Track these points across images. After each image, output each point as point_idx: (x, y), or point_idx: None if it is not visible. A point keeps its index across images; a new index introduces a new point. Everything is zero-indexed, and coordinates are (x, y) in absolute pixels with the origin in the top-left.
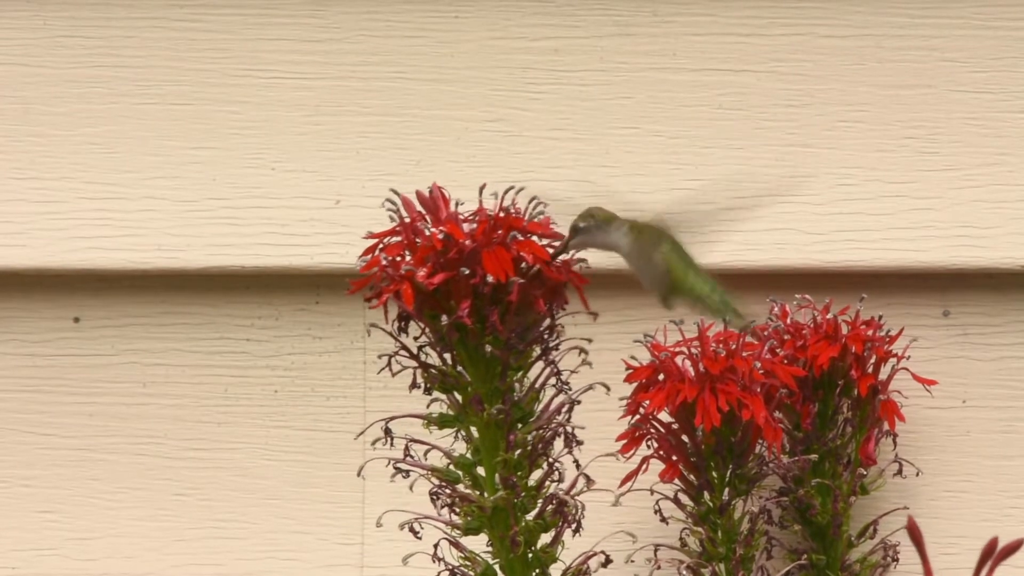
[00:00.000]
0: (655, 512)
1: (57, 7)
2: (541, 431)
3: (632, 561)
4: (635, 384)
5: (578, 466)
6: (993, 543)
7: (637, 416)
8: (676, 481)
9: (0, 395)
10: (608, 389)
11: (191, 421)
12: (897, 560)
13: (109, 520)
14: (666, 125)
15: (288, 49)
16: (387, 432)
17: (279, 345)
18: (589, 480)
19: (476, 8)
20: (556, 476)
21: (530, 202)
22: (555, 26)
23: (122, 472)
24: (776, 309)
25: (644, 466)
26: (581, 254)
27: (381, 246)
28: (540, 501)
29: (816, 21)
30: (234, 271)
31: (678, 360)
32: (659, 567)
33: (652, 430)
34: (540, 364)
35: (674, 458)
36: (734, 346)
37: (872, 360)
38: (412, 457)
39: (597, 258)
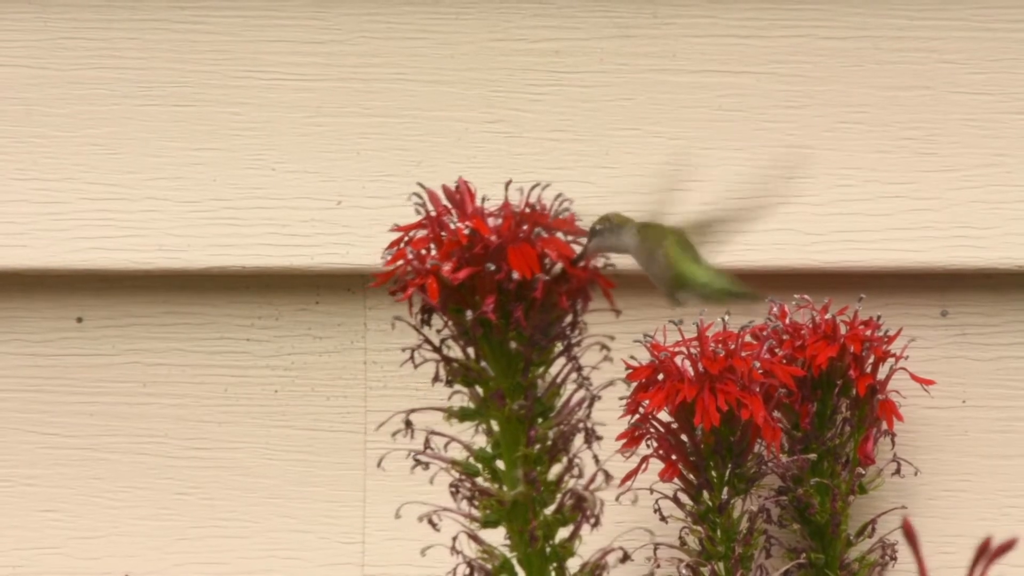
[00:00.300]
0: (655, 511)
1: (59, 9)
2: (561, 427)
3: (631, 559)
4: (635, 383)
5: (597, 462)
6: (987, 543)
7: (637, 415)
8: (675, 480)
9: (3, 395)
10: (629, 385)
11: (192, 421)
12: (895, 559)
13: (111, 519)
14: (666, 126)
15: (289, 50)
16: (408, 424)
17: (279, 345)
18: (608, 476)
19: (476, 10)
20: (575, 471)
21: (555, 199)
22: (555, 28)
23: (124, 471)
24: (775, 309)
25: (644, 465)
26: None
27: (407, 239)
28: (559, 496)
29: (815, 23)
30: (235, 271)
31: (677, 360)
32: (659, 566)
33: (652, 429)
34: (561, 360)
35: (673, 457)
36: (733, 346)
37: (870, 360)
38: (432, 449)
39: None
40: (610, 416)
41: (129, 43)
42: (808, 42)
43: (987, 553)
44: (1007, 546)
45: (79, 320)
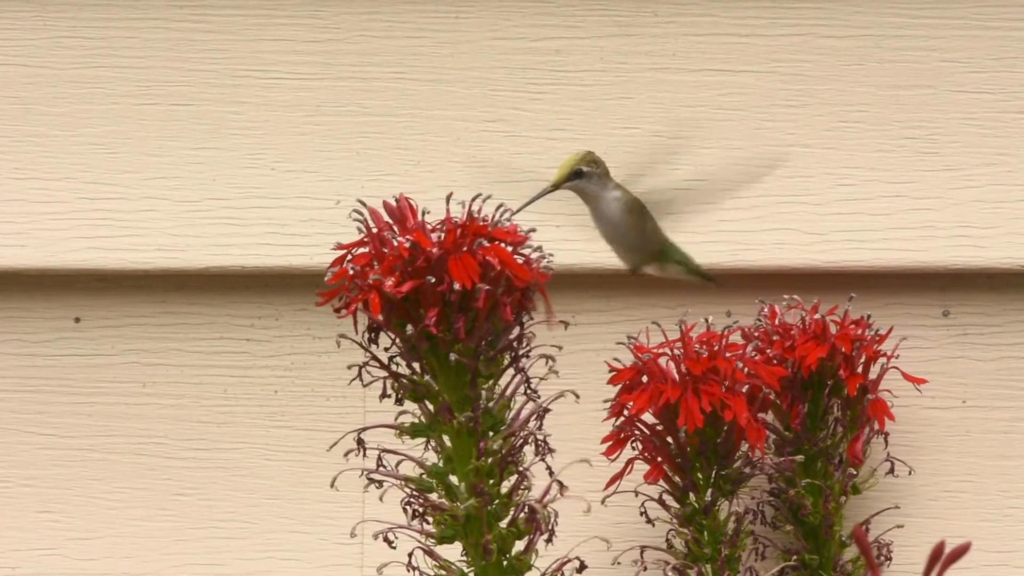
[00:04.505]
0: (640, 514)
1: (58, 7)
2: (512, 439)
3: (619, 563)
4: (618, 386)
5: (551, 473)
6: (940, 546)
7: (621, 418)
8: (661, 482)
9: (0, 395)
10: (577, 397)
11: (191, 421)
12: (890, 559)
13: (109, 520)
14: (666, 125)
15: (288, 49)
16: (360, 443)
17: (279, 345)
18: (563, 487)
19: (476, 8)
20: (527, 484)
21: (497, 209)
22: (555, 26)
23: (122, 472)
24: (765, 310)
25: (629, 468)
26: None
27: (349, 257)
28: (512, 509)
29: (816, 21)
30: (234, 271)
31: (661, 361)
32: (645, 568)
33: (636, 432)
34: (511, 372)
35: (659, 459)
36: (717, 347)
37: (861, 360)
38: (385, 467)
39: (571, 258)
40: (572, 423)
41: (128, 42)
42: (808, 41)
43: (941, 559)
44: (961, 551)
45: (77, 320)
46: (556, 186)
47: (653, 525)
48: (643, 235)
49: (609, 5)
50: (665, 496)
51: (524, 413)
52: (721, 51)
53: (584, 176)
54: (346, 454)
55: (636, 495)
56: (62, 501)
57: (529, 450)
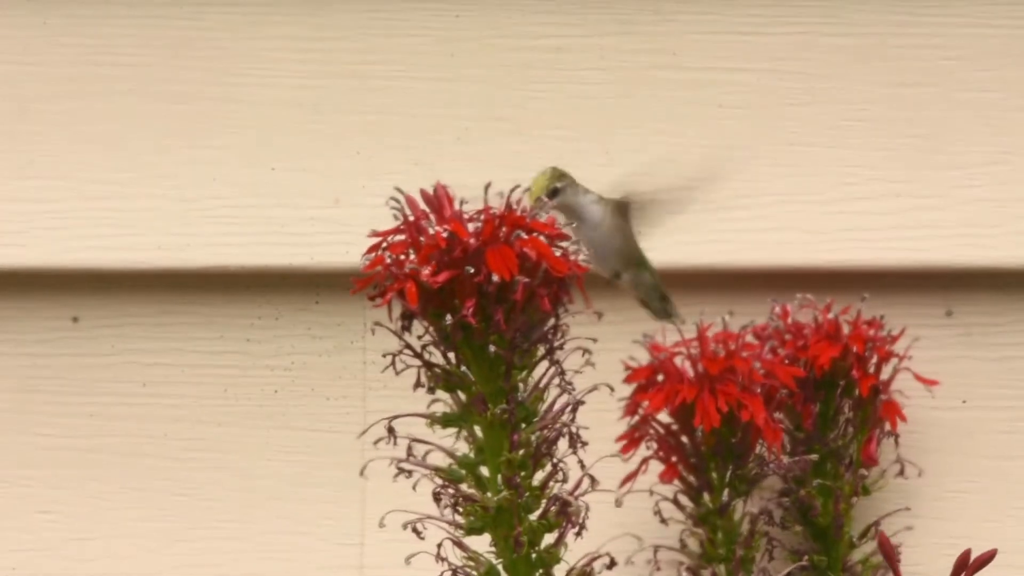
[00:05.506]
0: (655, 513)
1: (57, 5)
2: (545, 431)
3: (632, 563)
4: (635, 384)
5: (583, 467)
6: (966, 555)
7: (636, 417)
8: (676, 482)
9: None
10: (612, 390)
11: (191, 421)
12: (899, 561)
13: (108, 521)
14: (667, 124)
15: (288, 48)
16: (390, 431)
17: (279, 345)
18: (594, 481)
19: (477, 6)
20: (560, 477)
21: (536, 201)
22: (557, 24)
23: (121, 472)
24: (777, 309)
25: (643, 467)
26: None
27: (385, 245)
28: (544, 501)
29: (818, 19)
30: (234, 271)
31: (677, 361)
32: (659, 568)
33: (651, 431)
34: (544, 364)
35: (673, 459)
36: (733, 346)
37: (874, 360)
38: (415, 457)
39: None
40: (602, 419)
41: (127, 40)
42: (811, 39)
43: (966, 566)
44: (986, 559)
45: (75, 320)
46: (536, 213)
47: (667, 525)
48: (625, 238)
49: (610, 3)
50: (680, 496)
51: (557, 405)
52: (723, 49)
53: (560, 193)
54: (376, 442)
55: (651, 494)
56: (61, 501)
57: (562, 442)
